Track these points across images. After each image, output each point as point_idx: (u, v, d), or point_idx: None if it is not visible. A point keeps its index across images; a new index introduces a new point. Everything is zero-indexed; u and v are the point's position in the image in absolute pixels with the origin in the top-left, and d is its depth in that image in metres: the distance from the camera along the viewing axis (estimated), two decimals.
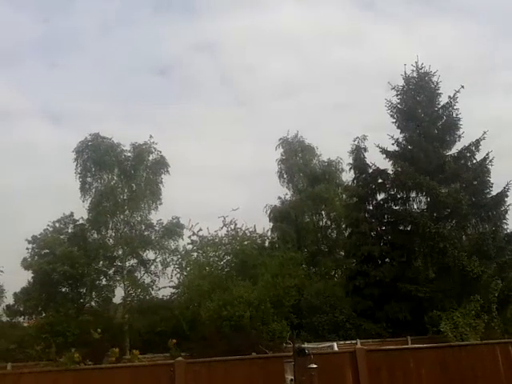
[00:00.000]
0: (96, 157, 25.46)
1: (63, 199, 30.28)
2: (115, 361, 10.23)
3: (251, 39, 62.27)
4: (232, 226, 24.36)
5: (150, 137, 26.51)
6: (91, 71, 56.76)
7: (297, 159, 31.70)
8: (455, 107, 22.51)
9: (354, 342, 17.23)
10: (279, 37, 60.14)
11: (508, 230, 20.88)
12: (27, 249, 23.96)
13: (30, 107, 59.39)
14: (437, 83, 22.90)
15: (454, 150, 22.50)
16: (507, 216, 20.89)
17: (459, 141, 22.48)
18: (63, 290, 23.77)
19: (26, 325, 23.84)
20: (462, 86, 22.36)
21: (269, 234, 27.70)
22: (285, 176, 31.72)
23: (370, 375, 8.17)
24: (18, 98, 54.81)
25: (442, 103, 22.81)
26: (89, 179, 25.81)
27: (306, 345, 9.51)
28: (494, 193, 21.40)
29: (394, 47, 53.90)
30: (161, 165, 26.50)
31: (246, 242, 23.92)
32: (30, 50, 60.83)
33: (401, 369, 8.37)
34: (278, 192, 31.23)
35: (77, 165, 25.77)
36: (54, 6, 58.83)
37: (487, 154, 21.56)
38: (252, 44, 62.40)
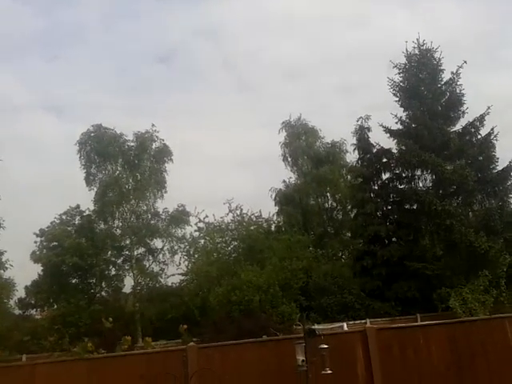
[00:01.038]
0: (99, 148, 25.54)
1: (69, 191, 30.41)
2: (128, 349, 10.36)
3: (252, 22, 61.60)
4: (238, 212, 24.47)
5: (152, 125, 26.58)
6: (93, 62, 56.57)
7: (300, 142, 31.59)
8: (458, 83, 22.27)
9: (363, 321, 17.32)
10: (281, 20, 59.51)
11: None
12: (35, 242, 24.18)
13: (32, 100, 59.39)
14: (439, 59, 22.61)
15: (458, 127, 22.34)
16: None
17: (463, 117, 22.33)
18: (73, 281, 24.00)
19: (38, 317, 24.14)
20: (465, 62, 22.12)
21: (274, 218, 27.80)
22: (289, 159, 31.68)
23: (380, 353, 8.20)
24: (21, 91, 54.79)
25: (444, 80, 22.57)
26: (93, 170, 25.97)
27: (315, 326, 9.55)
28: (499, 168, 21.26)
29: (398, 27, 53.17)
30: (164, 153, 26.56)
31: (252, 227, 24.01)
32: (32, 43, 60.60)
33: (411, 346, 8.39)
34: (282, 176, 31.27)
35: (80, 156, 25.92)
36: None
37: (492, 129, 21.38)
38: (253, 27, 61.69)
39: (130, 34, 59.39)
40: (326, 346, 7.06)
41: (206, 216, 24.22)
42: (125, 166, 26.03)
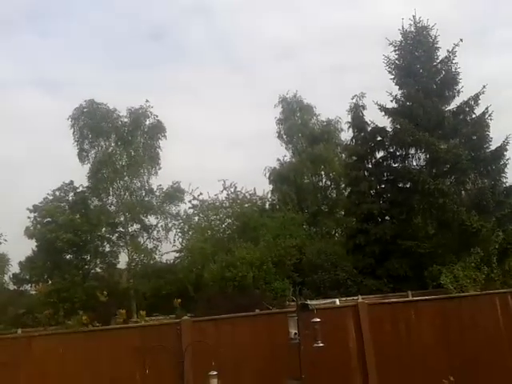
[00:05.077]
0: (92, 123, 25.36)
1: (62, 168, 30.29)
2: (123, 323, 10.45)
3: (246, 1, 60.64)
4: (232, 190, 24.51)
5: (146, 101, 26.35)
6: (84, 38, 55.77)
7: (295, 119, 31.49)
8: (454, 61, 22.08)
9: (355, 298, 17.50)
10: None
11: (507, 184, 20.87)
12: (29, 217, 24.10)
13: (22, 76, 58.64)
14: (435, 37, 22.36)
15: (453, 106, 22.22)
16: (506, 170, 20.81)
17: (458, 96, 22.13)
18: (67, 257, 24.03)
19: (33, 292, 24.25)
20: (461, 40, 21.87)
21: (269, 196, 27.91)
22: (284, 137, 31.62)
23: (372, 328, 8.35)
24: (10, 66, 54.03)
25: (440, 58, 22.39)
26: (86, 146, 25.83)
27: (308, 302, 9.68)
28: (493, 147, 21.29)
29: (393, 6, 52.64)
30: (158, 129, 26.40)
31: (246, 205, 24.09)
32: (22, 18, 59.56)
33: (403, 321, 8.55)
34: (276, 155, 31.26)
35: (73, 132, 25.74)
36: None
37: (486, 109, 21.27)
38: (247, 5, 60.84)
39: (122, 9, 58.43)
40: (318, 320, 7.18)
41: (201, 193, 24.28)
42: (118, 142, 25.88)
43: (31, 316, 16.74)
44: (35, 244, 23.85)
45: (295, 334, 7.22)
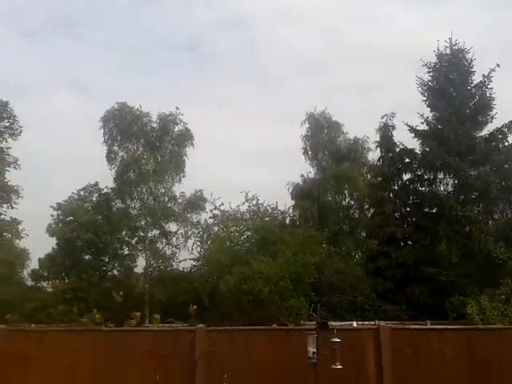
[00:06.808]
0: (122, 126, 25.63)
1: (89, 168, 30.62)
2: (136, 326, 10.29)
3: (278, 17, 61.13)
4: (254, 202, 24.33)
5: (176, 108, 26.54)
6: (120, 47, 56.96)
7: (322, 136, 31.22)
8: (489, 87, 21.64)
9: (372, 323, 17.02)
10: (307, 15, 58.93)
11: None
12: (52, 215, 24.40)
13: (57, 79, 60.08)
14: (471, 61, 21.95)
15: (485, 132, 21.72)
16: None
17: (491, 122, 21.60)
18: (86, 257, 24.20)
19: (49, 290, 24.43)
20: (498, 65, 21.39)
21: (290, 211, 27.65)
22: (309, 153, 31.33)
23: (392, 353, 8.03)
24: (48, 70, 55.49)
25: (475, 82, 21.98)
26: (115, 148, 26.12)
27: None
28: None
29: (428, 28, 52.27)
30: (186, 137, 26.55)
31: (267, 219, 23.88)
32: (59, 24, 61.35)
33: (425, 348, 8.20)
34: (300, 170, 31.01)
35: (103, 133, 26.09)
36: None
37: None
38: (279, 22, 61.19)
39: (158, 20, 59.56)
40: (338, 340, 6.90)
41: (222, 203, 24.16)
42: (146, 147, 26.10)
43: (45, 312, 16.76)
44: (56, 242, 24.08)
45: (313, 353, 6.96)
